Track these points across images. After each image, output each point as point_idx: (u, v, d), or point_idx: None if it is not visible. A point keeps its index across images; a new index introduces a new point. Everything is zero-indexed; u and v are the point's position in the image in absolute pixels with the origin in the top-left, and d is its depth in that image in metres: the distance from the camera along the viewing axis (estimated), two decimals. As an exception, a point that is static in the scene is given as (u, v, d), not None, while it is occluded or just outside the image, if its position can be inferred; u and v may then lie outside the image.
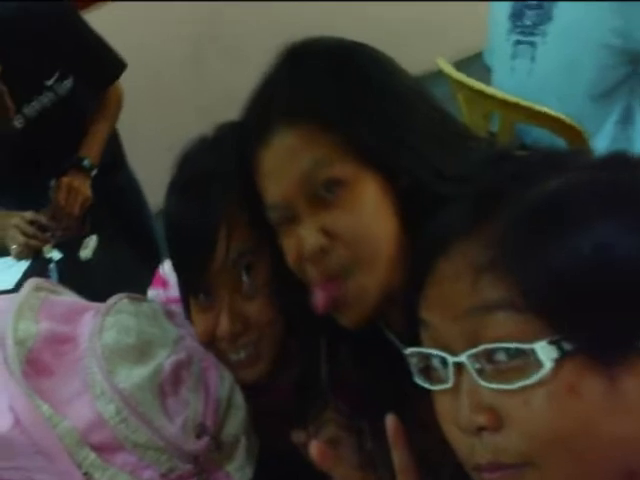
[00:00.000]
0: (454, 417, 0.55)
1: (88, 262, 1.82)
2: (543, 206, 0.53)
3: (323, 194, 0.75)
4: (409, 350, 0.59)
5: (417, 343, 0.59)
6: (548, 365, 0.49)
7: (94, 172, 1.92)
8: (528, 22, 1.85)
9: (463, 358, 0.53)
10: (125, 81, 2.05)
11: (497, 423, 0.52)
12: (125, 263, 1.82)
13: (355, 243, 0.74)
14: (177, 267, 0.95)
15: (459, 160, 0.75)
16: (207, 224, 0.87)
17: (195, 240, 0.88)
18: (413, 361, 0.59)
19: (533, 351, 0.50)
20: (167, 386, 0.81)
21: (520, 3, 1.87)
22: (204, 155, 0.92)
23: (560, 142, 1.69)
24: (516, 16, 1.89)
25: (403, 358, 0.61)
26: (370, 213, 0.75)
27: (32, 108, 1.83)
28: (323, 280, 0.76)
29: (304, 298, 0.79)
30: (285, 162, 0.76)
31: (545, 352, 0.50)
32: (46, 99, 1.83)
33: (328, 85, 0.76)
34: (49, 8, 1.78)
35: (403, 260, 0.73)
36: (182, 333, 0.91)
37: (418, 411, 0.63)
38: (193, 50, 3.65)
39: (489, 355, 0.52)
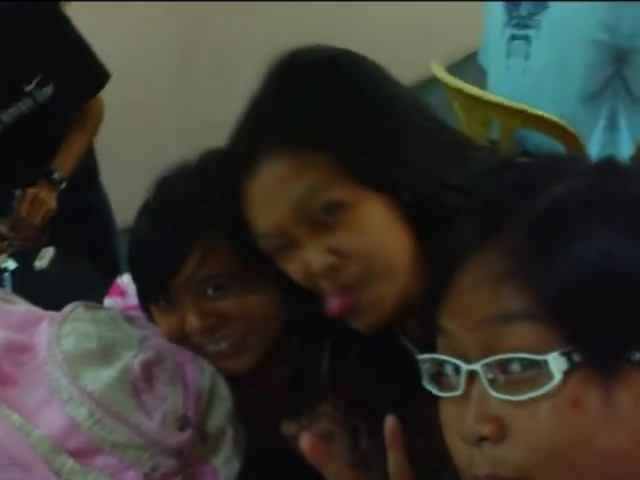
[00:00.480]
0: (458, 426, 0.54)
1: (43, 272, 1.82)
2: (548, 215, 0.53)
3: (324, 218, 0.73)
4: (423, 356, 0.58)
5: (432, 350, 0.58)
6: (558, 377, 0.49)
7: (63, 185, 1.87)
8: (524, 12, 1.85)
9: (477, 367, 0.53)
10: (105, 93, 1.97)
11: (500, 434, 0.51)
12: (82, 277, 1.81)
13: (367, 259, 0.73)
14: (136, 280, 0.95)
15: (461, 171, 0.74)
16: (176, 250, 0.85)
17: (161, 263, 0.86)
18: (425, 366, 0.58)
19: (546, 362, 0.50)
20: (139, 383, 0.80)
21: None
22: (184, 182, 0.90)
23: (559, 147, 1.70)
24: (512, 6, 1.89)
25: (412, 363, 0.60)
26: (378, 230, 0.73)
27: (9, 115, 1.76)
28: (338, 290, 0.74)
29: (311, 302, 0.77)
30: (275, 192, 0.73)
31: (556, 364, 0.49)
32: (24, 106, 1.77)
33: (316, 109, 0.74)
34: (35, 8, 1.71)
35: (419, 270, 0.72)
36: (146, 334, 0.89)
37: (421, 417, 0.63)
38: (179, 62, 3.48)
39: (503, 365, 0.52)
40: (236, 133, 0.79)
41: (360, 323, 0.76)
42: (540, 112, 1.72)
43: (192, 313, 0.87)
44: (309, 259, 0.74)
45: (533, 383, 0.50)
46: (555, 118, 1.71)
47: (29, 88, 1.76)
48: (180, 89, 3.46)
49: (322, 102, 0.74)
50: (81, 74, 1.88)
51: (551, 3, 1.78)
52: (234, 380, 0.89)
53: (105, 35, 2.86)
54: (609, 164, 0.58)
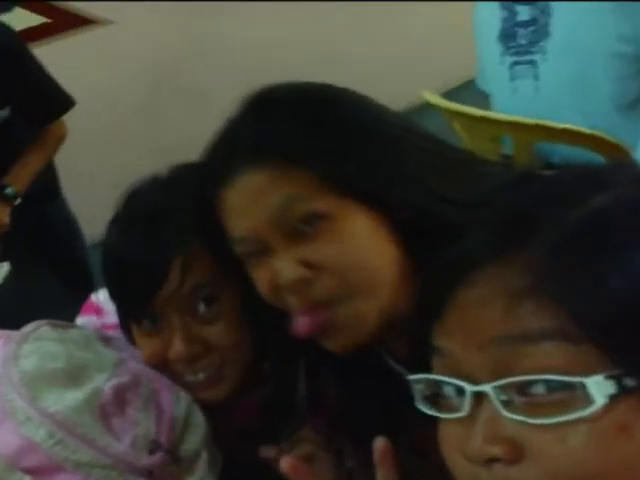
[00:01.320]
0: (460, 445, 0.51)
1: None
2: (592, 226, 0.49)
3: (302, 228, 0.71)
4: (416, 376, 0.55)
5: (422, 370, 0.55)
6: (601, 401, 0.45)
7: (17, 201, 1.87)
8: (523, 41, 1.78)
9: (487, 388, 0.49)
10: (76, 118, 2.00)
11: (515, 456, 0.48)
12: (43, 294, 1.79)
13: (344, 271, 0.70)
14: (115, 297, 0.92)
15: (468, 186, 0.72)
16: (155, 258, 0.84)
17: (141, 274, 0.84)
18: (418, 387, 0.55)
19: (583, 385, 0.46)
20: (110, 407, 0.78)
21: (510, 22, 1.81)
22: (155, 193, 0.89)
23: (594, 157, 1.61)
24: (507, 37, 1.82)
25: (394, 382, 0.59)
26: (361, 243, 0.71)
27: None
28: (307, 307, 0.71)
29: (278, 321, 0.75)
30: (251, 201, 0.72)
31: (600, 387, 0.45)
32: None
33: (297, 123, 0.73)
34: None
35: (408, 287, 0.69)
36: (123, 357, 0.87)
37: (412, 435, 0.62)
38: (152, 94, 3.54)
39: (523, 387, 0.48)
40: (211, 149, 0.78)
41: (334, 343, 0.73)
42: (567, 125, 1.63)
43: (179, 337, 0.85)
44: (279, 269, 0.71)
45: (564, 406, 0.47)
46: (585, 129, 1.63)
47: None
48: (150, 114, 3.54)
49: (303, 121, 0.73)
50: (38, 102, 1.92)
51: (553, 28, 1.72)
52: (207, 409, 0.88)
53: (82, 64, 3.03)
54: None
